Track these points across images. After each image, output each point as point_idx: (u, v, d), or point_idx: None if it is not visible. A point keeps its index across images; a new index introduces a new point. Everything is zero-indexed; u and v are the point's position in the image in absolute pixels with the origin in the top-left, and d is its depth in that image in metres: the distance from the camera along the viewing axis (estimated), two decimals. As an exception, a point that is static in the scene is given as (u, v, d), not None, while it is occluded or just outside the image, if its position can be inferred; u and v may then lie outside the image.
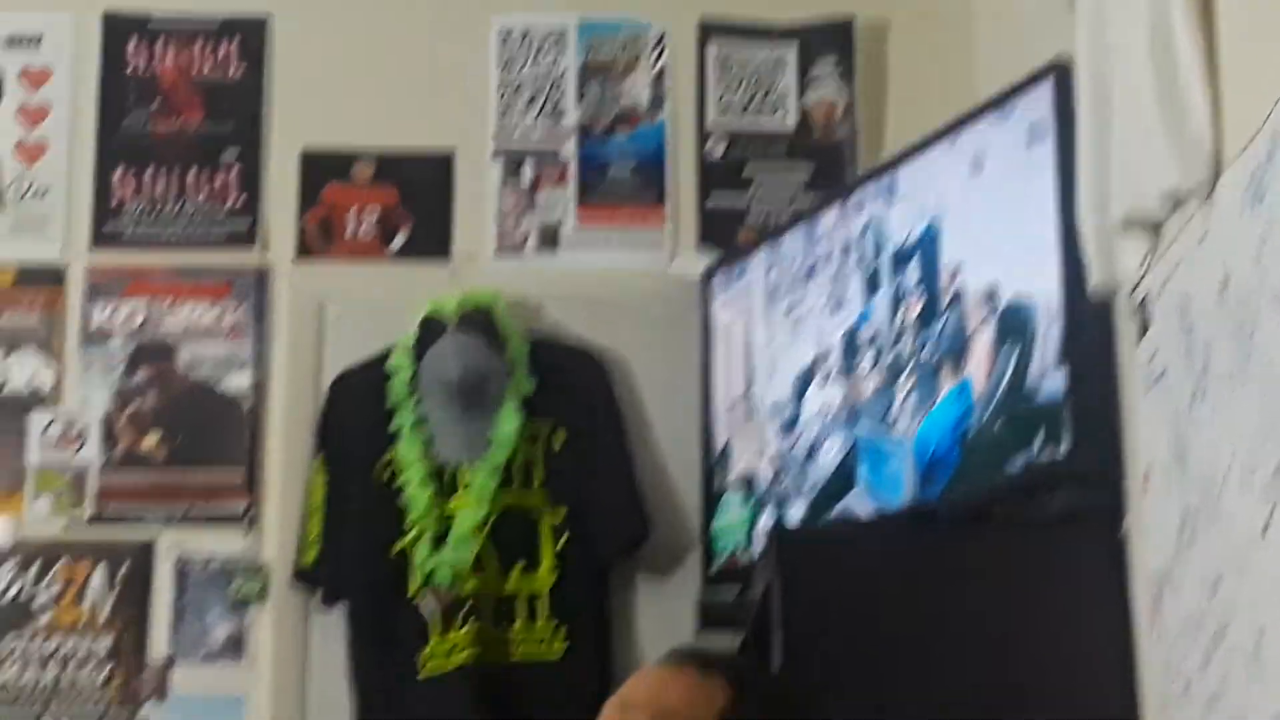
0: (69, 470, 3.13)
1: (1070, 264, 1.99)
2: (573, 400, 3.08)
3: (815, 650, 2.03)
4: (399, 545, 2.99)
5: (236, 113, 3.28)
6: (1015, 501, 2.16)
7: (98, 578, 3.08)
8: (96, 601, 3.07)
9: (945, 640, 2.04)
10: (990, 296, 2.23)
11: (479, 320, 3.04)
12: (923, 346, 2.38)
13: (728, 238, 3.19)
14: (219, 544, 3.10)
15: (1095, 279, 1.86)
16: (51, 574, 3.09)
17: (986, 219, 2.28)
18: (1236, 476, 1.49)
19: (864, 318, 2.56)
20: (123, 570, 3.09)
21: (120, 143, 3.27)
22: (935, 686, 2.00)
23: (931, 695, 1.99)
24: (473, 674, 2.92)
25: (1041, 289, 2.09)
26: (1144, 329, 1.84)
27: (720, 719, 1.56)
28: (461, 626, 2.93)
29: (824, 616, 2.08)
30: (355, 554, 3.03)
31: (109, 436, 3.15)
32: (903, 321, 2.45)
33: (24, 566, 3.09)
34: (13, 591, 3.07)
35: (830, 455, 2.61)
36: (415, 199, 3.24)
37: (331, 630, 3.05)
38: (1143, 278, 1.80)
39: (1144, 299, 1.82)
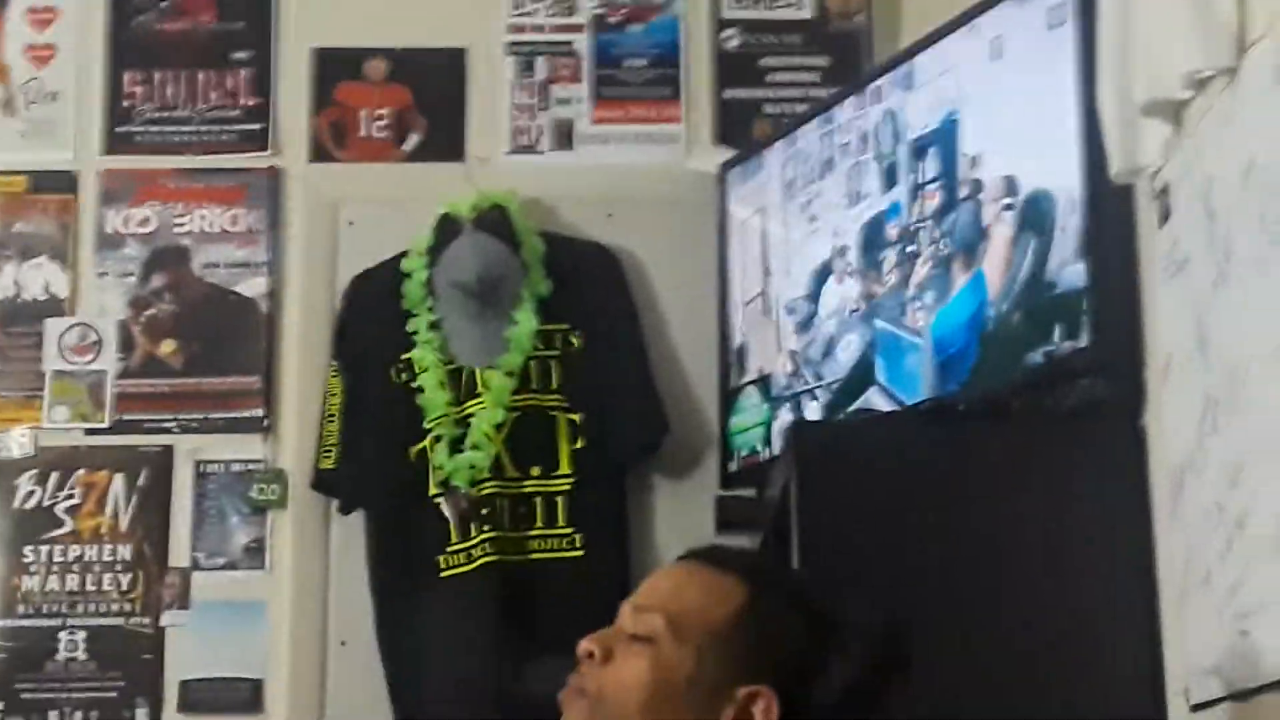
0: (86, 378, 3.15)
1: (1091, 152, 1.96)
2: (589, 301, 3.08)
3: (834, 547, 2.04)
4: (417, 448, 3.00)
5: (247, 12, 3.25)
6: (1035, 394, 2.15)
7: (117, 485, 3.11)
8: (117, 509, 3.10)
9: (965, 535, 2.04)
10: (1010, 187, 2.21)
11: (494, 221, 3.02)
12: (942, 239, 2.37)
13: (744, 132, 3.17)
14: (237, 450, 3.12)
15: (1116, 166, 1.84)
16: (71, 482, 3.11)
17: (1006, 107, 2.26)
18: (1261, 363, 1.49)
19: (882, 211, 2.54)
20: (142, 478, 3.11)
21: (130, 44, 3.26)
22: (954, 581, 2.02)
23: (951, 590, 2.01)
24: (492, 574, 2.93)
25: (1062, 179, 2.07)
26: (1165, 216, 1.84)
27: (737, 617, 1.54)
28: (480, 528, 2.94)
29: (843, 513, 2.08)
30: (374, 458, 3.05)
31: (126, 343, 3.16)
32: (921, 214, 2.43)
33: (44, 475, 3.11)
34: (34, 500, 3.09)
35: (848, 352, 2.60)
36: (428, 98, 3.23)
37: (351, 534, 3.07)
38: (1164, 164, 1.78)
39: (1165, 186, 1.81)
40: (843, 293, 2.64)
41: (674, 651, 1.53)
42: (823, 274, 2.69)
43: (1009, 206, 2.21)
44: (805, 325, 2.74)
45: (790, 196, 2.83)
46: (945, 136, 2.38)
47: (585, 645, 1.57)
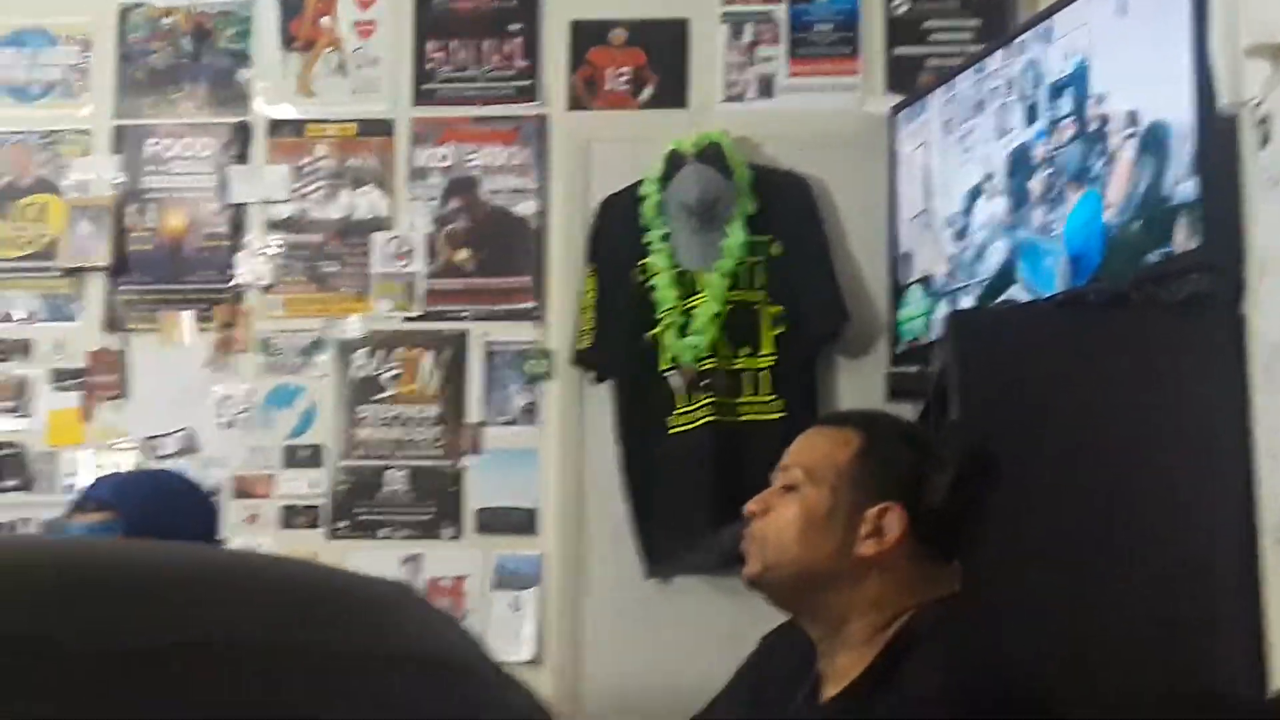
0: (402, 279, 3.20)
1: (1202, 88, 1.94)
2: (786, 217, 3.06)
3: (984, 409, 2.02)
4: (652, 333, 3.04)
5: None
6: (1151, 288, 2.12)
7: (427, 360, 3.17)
8: (426, 378, 3.17)
9: (1088, 401, 2.03)
10: (1132, 119, 2.19)
11: (711, 154, 3.03)
12: (1073, 163, 2.35)
13: (910, 82, 3.14)
14: (515, 334, 3.17)
15: (1224, 99, 1.83)
16: (392, 357, 3.17)
17: (1129, 53, 2.23)
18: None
19: (1024, 142, 2.52)
20: (445, 355, 3.17)
21: (431, 20, 3.28)
22: (1077, 434, 2.02)
23: (1075, 442, 2.01)
24: (709, 431, 2.97)
25: (1176, 111, 2.04)
26: (1265, 141, 1.81)
27: (857, 456, 1.56)
28: (701, 395, 2.97)
29: (991, 383, 2.07)
30: (619, 340, 3.08)
31: (431, 252, 3.21)
32: (1057, 144, 2.41)
33: (372, 352, 3.18)
34: (365, 371, 3.17)
35: (995, 256, 2.59)
36: (659, 58, 3.22)
37: (601, 399, 3.11)
38: (1265, 97, 1.76)
39: (1266, 116, 1.79)
40: (990, 209, 2.62)
41: (813, 493, 1.55)
42: (974, 194, 2.68)
43: (1131, 135, 2.19)
44: (960, 235, 2.73)
45: (948, 132, 2.81)
46: (1077, 80, 2.35)
47: (749, 507, 1.61)
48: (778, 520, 1.57)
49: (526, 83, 3.25)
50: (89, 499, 2.00)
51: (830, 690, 1.54)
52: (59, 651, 0.49)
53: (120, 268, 3.26)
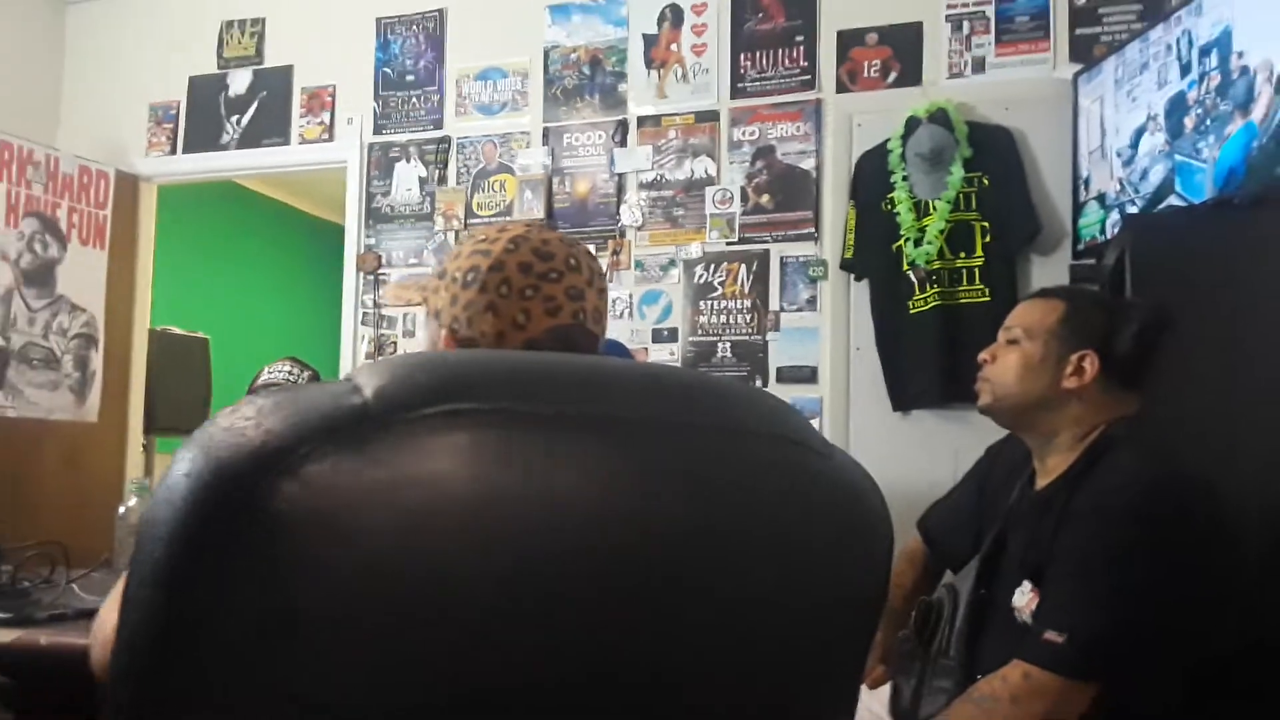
0: (725, 216, 3.23)
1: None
2: (994, 158, 3.00)
3: (1153, 287, 1.93)
4: (896, 244, 3.02)
5: (800, 14, 3.22)
6: (1281, 192, 2.02)
7: (743, 271, 3.21)
8: (744, 281, 3.21)
9: (1236, 283, 1.94)
10: (1269, 68, 2.09)
11: (939, 117, 2.99)
12: (1220, 104, 2.25)
13: (1088, 53, 3.00)
14: (801, 250, 3.18)
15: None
16: (720, 269, 3.21)
17: (1265, 18, 2.12)
18: None
19: (1179, 90, 2.42)
20: (754, 266, 3.20)
21: (742, 39, 3.29)
22: (1226, 308, 1.92)
23: (1222, 311, 1.92)
24: (937, 311, 2.96)
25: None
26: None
27: (1063, 317, 1.52)
28: (931, 287, 2.96)
29: (1157, 268, 1.99)
30: (871, 251, 3.06)
31: (744, 198, 3.21)
32: (1206, 90, 2.30)
33: (706, 265, 3.23)
34: (702, 279, 3.21)
35: (1155, 176, 2.50)
36: (901, 51, 3.18)
37: (861, 291, 3.12)
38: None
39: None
40: (1152, 141, 2.52)
41: (1030, 345, 1.52)
42: (1140, 131, 2.58)
43: (1268, 80, 2.08)
44: (1127, 162, 2.63)
45: (1119, 88, 2.70)
46: (1222, 42, 2.24)
47: (981, 356, 1.60)
48: (1003, 365, 1.54)
49: (807, 77, 3.24)
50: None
51: (1041, 482, 1.54)
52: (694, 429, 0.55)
53: (550, 219, 3.41)
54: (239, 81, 3.87)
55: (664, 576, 0.50)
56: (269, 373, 2.31)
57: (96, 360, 3.73)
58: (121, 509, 1.39)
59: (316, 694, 0.44)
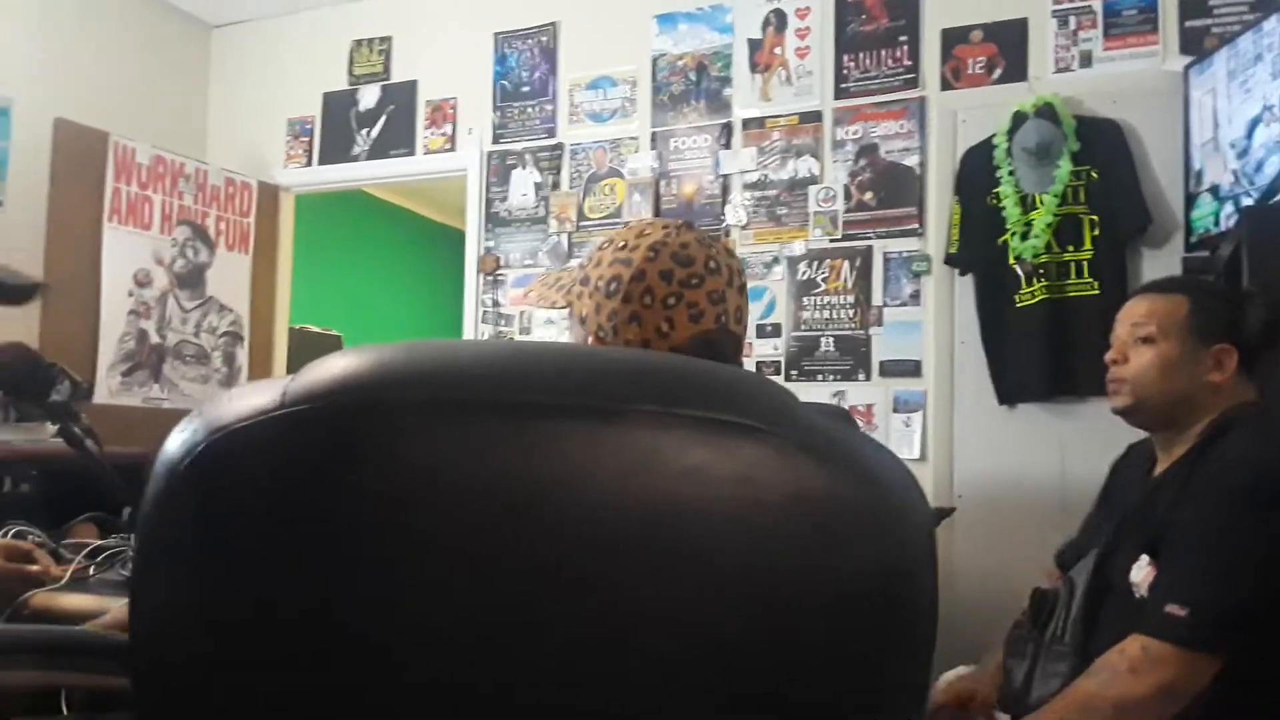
0: (828, 214, 3.27)
1: None
2: (1102, 151, 2.99)
3: (1271, 278, 1.88)
4: (1001, 238, 3.02)
5: (904, 14, 3.27)
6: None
7: (845, 266, 3.25)
8: (847, 277, 3.25)
9: None
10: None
11: (1046, 111, 2.98)
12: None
13: (1197, 46, 2.98)
14: (904, 246, 3.21)
15: None
16: (822, 265, 3.25)
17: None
18: None
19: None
20: (857, 262, 3.24)
21: (845, 40, 3.36)
22: None
23: None
24: (1044, 305, 2.95)
25: None
26: None
27: (1189, 314, 1.49)
28: (1038, 280, 2.96)
29: (1275, 259, 1.95)
30: (976, 246, 3.08)
31: (847, 195, 3.29)
32: (1320, 76, 2.29)
33: (809, 262, 3.27)
34: (805, 275, 3.28)
35: (1270, 167, 2.48)
36: (1005, 48, 3.18)
37: (965, 286, 3.14)
38: None
39: None
40: (1268, 132, 2.50)
41: (1166, 343, 1.50)
42: (1254, 122, 2.56)
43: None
44: (1242, 154, 2.61)
45: (1231, 79, 2.68)
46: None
47: (1110, 356, 1.55)
48: (1141, 364, 1.50)
49: (911, 75, 3.27)
50: None
51: (1161, 468, 1.53)
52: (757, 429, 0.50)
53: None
54: (368, 96, 4.16)
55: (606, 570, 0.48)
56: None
57: (242, 356, 4.09)
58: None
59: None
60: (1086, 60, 3.12)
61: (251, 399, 0.47)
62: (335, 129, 4.22)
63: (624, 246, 1.01)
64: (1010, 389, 3.02)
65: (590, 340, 0.98)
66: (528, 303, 3.64)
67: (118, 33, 4.03)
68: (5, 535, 1.74)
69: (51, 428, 2.39)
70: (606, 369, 0.52)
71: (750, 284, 3.31)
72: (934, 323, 3.15)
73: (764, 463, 0.50)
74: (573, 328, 1.04)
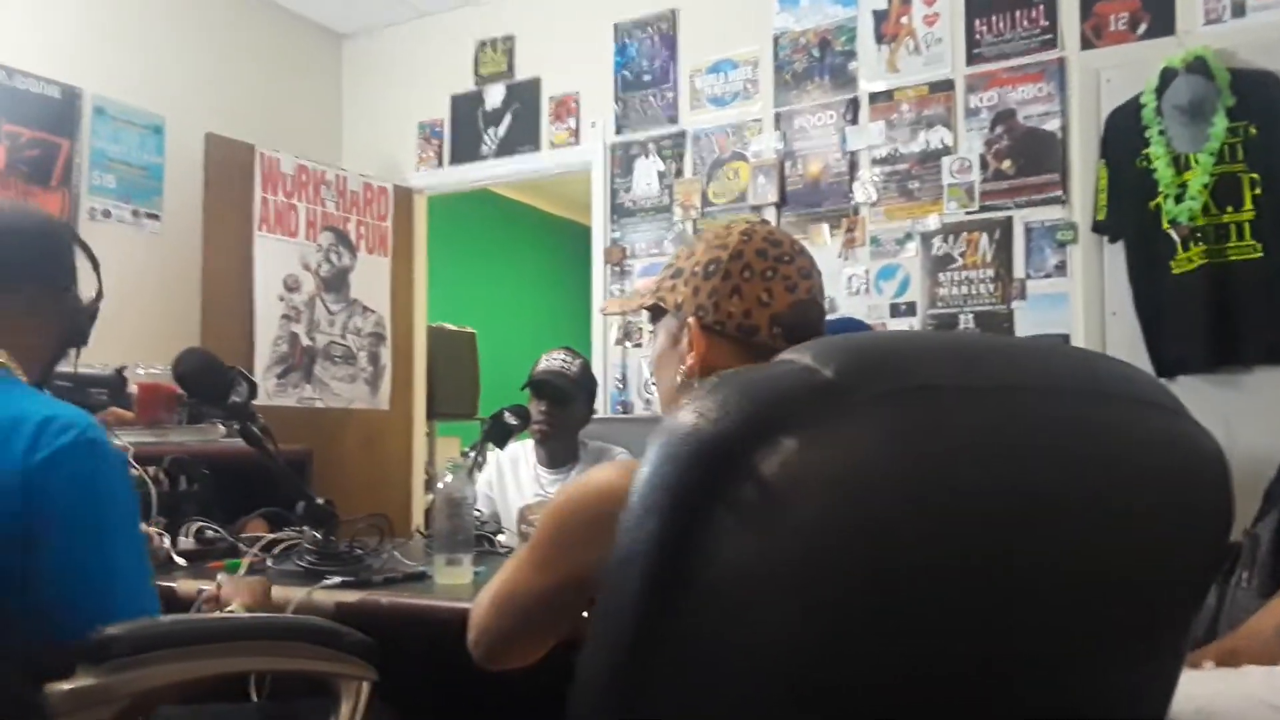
0: (963, 185, 3.22)
1: None
2: (1260, 104, 2.86)
3: None
4: (1154, 202, 2.96)
5: None
6: None
7: (984, 239, 3.21)
8: (985, 250, 3.21)
9: None
10: None
11: (1197, 66, 2.91)
12: None
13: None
14: (1047, 215, 3.16)
15: None
16: (959, 239, 3.21)
17: None
18: None
19: None
20: (997, 234, 3.20)
21: (977, 4, 3.30)
22: None
23: None
24: (1204, 270, 2.88)
25: None
26: None
27: None
28: (1195, 245, 2.88)
29: None
30: (1126, 210, 3.02)
31: (983, 165, 3.23)
32: None
33: (944, 237, 3.23)
34: (942, 250, 3.22)
35: None
36: (1149, 1, 3.10)
37: (1116, 254, 3.05)
38: None
39: None
40: None
41: None
42: None
43: None
44: None
45: None
46: None
47: None
48: None
49: (1049, 36, 3.21)
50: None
51: None
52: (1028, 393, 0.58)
53: (783, 202, 3.56)
54: (493, 96, 4.31)
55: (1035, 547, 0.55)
56: (547, 360, 2.66)
57: (386, 355, 4.31)
58: (439, 484, 1.65)
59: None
60: (1239, 10, 2.98)
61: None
62: (464, 130, 4.37)
63: (715, 237, 1.11)
64: (1169, 361, 2.94)
65: (691, 321, 1.06)
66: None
67: (256, 48, 4.28)
68: (186, 531, 1.91)
69: (222, 428, 2.62)
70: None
71: (881, 262, 3.38)
72: (1082, 294, 3.09)
73: (1181, 431, 0.63)
74: (660, 329, 1.12)
